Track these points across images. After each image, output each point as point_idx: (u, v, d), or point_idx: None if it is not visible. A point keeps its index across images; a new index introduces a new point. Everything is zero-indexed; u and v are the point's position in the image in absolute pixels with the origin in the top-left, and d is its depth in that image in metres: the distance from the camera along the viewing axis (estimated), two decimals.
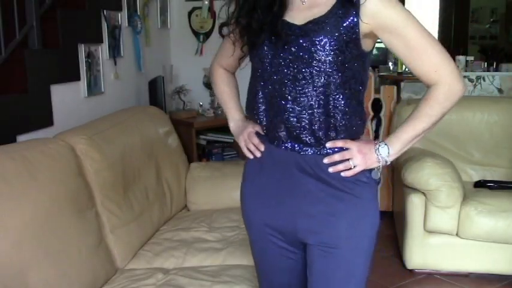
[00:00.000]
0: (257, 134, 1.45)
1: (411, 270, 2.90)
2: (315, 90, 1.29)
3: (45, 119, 2.30)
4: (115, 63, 2.93)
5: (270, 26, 1.32)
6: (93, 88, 2.70)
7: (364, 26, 1.27)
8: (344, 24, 1.27)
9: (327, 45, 1.26)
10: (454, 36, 7.95)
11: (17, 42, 2.19)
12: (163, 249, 2.23)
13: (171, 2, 3.80)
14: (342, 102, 1.30)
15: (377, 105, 3.61)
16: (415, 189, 2.78)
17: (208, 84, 3.70)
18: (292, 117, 1.32)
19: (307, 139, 1.33)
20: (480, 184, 3.02)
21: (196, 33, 3.88)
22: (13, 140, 2.05)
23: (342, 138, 1.33)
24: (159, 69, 3.58)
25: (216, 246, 2.24)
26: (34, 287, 1.56)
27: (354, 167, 1.33)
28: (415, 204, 2.78)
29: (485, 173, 3.21)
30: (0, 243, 1.49)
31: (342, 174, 1.33)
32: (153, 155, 2.58)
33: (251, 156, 1.45)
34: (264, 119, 1.39)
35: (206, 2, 3.78)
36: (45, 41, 2.33)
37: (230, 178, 2.73)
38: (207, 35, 3.86)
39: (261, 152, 1.43)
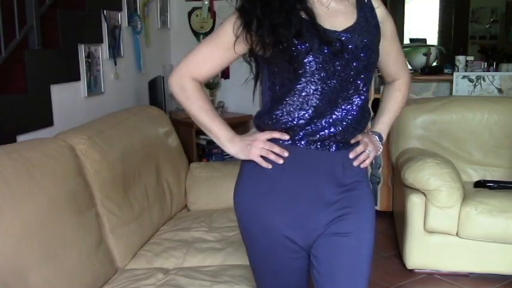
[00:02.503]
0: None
1: (411, 270, 2.90)
2: (363, 93, 1.39)
3: (45, 119, 2.30)
4: (115, 63, 2.94)
5: (313, 34, 1.28)
6: (93, 88, 2.70)
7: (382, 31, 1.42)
8: (375, 26, 1.40)
9: (373, 47, 1.37)
10: (454, 36, 7.94)
11: (17, 42, 2.19)
12: (163, 249, 2.23)
13: (171, 2, 3.80)
14: (367, 102, 1.42)
15: (377, 105, 3.60)
16: (415, 189, 2.78)
17: (208, 85, 3.69)
18: (341, 120, 1.37)
19: (344, 141, 1.40)
20: (480, 184, 3.01)
21: (196, 33, 3.88)
22: (13, 140, 2.05)
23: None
24: (159, 69, 3.58)
25: (216, 246, 2.24)
26: (34, 287, 1.56)
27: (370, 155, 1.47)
28: (415, 204, 2.78)
29: (485, 173, 3.21)
30: (0, 243, 1.49)
31: (362, 165, 1.44)
32: (153, 155, 2.57)
33: (270, 166, 1.38)
34: (304, 123, 1.35)
35: (206, 2, 3.78)
36: (45, 41, 2.34)
37: (230, 178, 2.71)
38: (207, 35, 3.86)
39: (284, 157, 1.38)
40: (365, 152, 1.45)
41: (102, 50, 2.80)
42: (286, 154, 1.37)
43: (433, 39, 7.85)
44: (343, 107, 1.36)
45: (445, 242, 2.78)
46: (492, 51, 5.77)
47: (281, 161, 1.37)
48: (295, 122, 1.35)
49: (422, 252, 2.83)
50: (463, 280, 2.82)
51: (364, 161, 1.45)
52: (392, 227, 3.39)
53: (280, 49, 1.29)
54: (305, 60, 1.29)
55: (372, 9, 1.41)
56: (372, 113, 1.62)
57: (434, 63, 4.17)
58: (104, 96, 2.82)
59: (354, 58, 1.33)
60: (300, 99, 1.33)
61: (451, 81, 3.80)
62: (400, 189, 3.07)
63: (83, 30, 2.62)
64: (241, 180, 1.48)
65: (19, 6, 2.21)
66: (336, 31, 1.33)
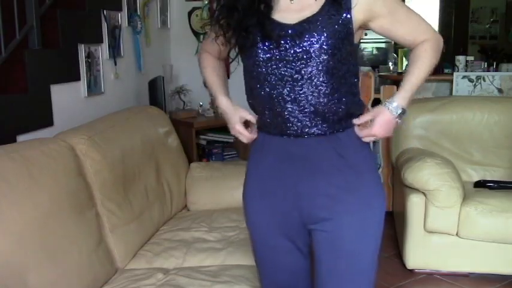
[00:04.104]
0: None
1: (411, 270, 2.90)
2: (315, 89, 1.32)
3: (45, 119, 2.30)
4: (115, 63, 2.93)
5: (258, 27, 1.32)
6: (93, 88, 2.70)
7: (358, 20, 1.33)
8: (338, 21, 1.31)
9: (324, 43, 1.29)
10: (454, 36, 7.94)
11: (17, 42, 2.19)
12: (163, 249, 2.23)
13: (171, 2, 3.80)
14: (342, 97, 1.36)
15: (377, 105, 3.61)
16: (415, 189, 2.78)
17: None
18: (293, 117, 1.36)
19: (310, 133, 1.38)
20: (480, 184, 3.01)
21: (196, 33, 3.88)
22: (13, 140, 2.05)
23: (342, 131, 1.41)
24: (159, 69, 3.58)
25: (216, 246, 2.24)
26: (34, 287, 1.56)
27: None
28: (415, 204, 2.78)
29: (485, 173, 3.21)
30: (0, 243, 1.49)
31: (367, 139, 1.42)
32: (153, 155, 2.57)
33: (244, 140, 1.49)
34: (266, 117, 1.42)
35: (206, 2, 3.78)
36: (45, 41, 2.33)
37: (230, 178, 2.73)
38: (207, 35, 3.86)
39: (259, 141, 1.47)
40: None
41: (102, 50, 2.80)
42: (254, 136, 1.47)
43: None
44: (296, 102, 1.36)
45: (445, 242, 2.78)
46: (492, 51, 5.78)
47: (254, 136, 1.48)
48: (256, 113, 1.44)
49: (422, 252, 2.83)
50: (463, 280, 2.82)
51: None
52: (392, 227, 3.39)
53: (231, 35, 1.36)
54: (253, 52, 1.34)
55: (345, 1, 1.32)
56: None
57: None
58: (104, 96, 2.82)
59: (296, 53, 1.31)
60: (251, 92, 1.42)
61: (451, 81, 3.81)
62: (400, 189, 3.07)
63: (83, 30, 2.62)
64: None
65: (19, 6, 2.20)
66: (288, 24, 1.32)
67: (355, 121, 1.42)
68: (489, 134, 3.24)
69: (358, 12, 1.32)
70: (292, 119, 1.36)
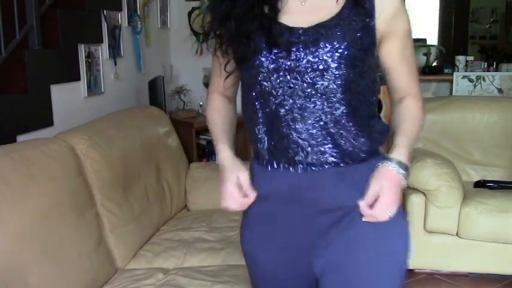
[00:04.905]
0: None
1: (411, 270, 2.90)
2: (329, 107, 1.12)
3: (45, 119, 2.30)
4: (115, 63, 2.93)
5: (263, 32, 1.12)
6: (93, 88, 2.70)
7: (379, 32, 1.14)
8: (362, 28, 1.12)
9: (345, 53, 1.10)
10: (454, 36, 7.94)
11: (17, 42, 2.19)
12: (163, 249, 2.23)
13: (171, 2, 3.80)
14: (361, 118, 1.16)
15: (377, 105, 3.61)
16: (415, 189, 2.78)
17: (207, 84, 3.69)
18: (303, 140, 1.14)
19: (323, 160, 1.15)
20: (480, 184, 3.01)
21: (196, 33, 3.88)
22: (13, 140, 2.05)
23: (357, 155, 1.17)
24: (159, 69, 3.58)
25: (216, 246, 2.24)
26: (34, 287, 1.56)
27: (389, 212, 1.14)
28: (415, 204, 2.78)
29: (485, 173, 3.21)
30: (0, 243, 1.49)
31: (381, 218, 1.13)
32: (153, 155, 2.57)
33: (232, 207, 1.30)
34: (266, 143, 1.20)
35: (206, 2, 3.78)
36: (45, 41, 2.34)
37: None
38: (207, 35, 3.85)
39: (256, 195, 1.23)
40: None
41: (102, 50, 2.80)
42: (251, 199, 1.23)
43: (433, 39, 7.84)
44: (306, 121, 1.14)
45: (445, 242, 2.78)
46: (492, 51, 5.77)
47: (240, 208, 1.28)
48: (255, 140, 1.23)
49: (422, 252, 2.82)
50: (463, 280, 2.82)
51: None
52: None
53: (229, 44, 1.16)
54: (256, 62, 1.13)
55: (370, 6, 1.13)
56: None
57: (434, 63, 4.18)
58: (104, 96, 2.82)
59: (309, 63, 1.10)
60: (250, 111, 1.20)
61: (451, 81, 3.81)
62: None
63: (83, 30, 2.62)
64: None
65: (19, 6, 2.21)
66: (300, 28, 1.12)
67: (362, 203, 1.13)
68: (489, 134, 3.24)
69: (381, 22, 1.13)
70: (301, 142, 1.14)
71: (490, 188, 2.95)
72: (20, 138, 2.09)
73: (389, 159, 1.15)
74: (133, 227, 2.22)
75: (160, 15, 3.67)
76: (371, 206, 1.12)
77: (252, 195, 1.22)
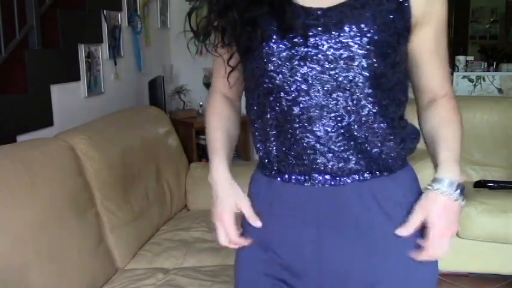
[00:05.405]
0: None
1: None
2: (354, 105, 0.92)
3: (45, 119, 2.30)
4: (115, 63, 2.93)
5: (273, 15, 0.92)
6: (93, 88, 2.70)
7: (417, 13, 0.95)
8: (394, 10, 0.92)
9: (374, 38, 0.90)
10: (454, 36, 7.94)
11: (17, 42, 2.19)
12: (163, 249, 2.23)
13: (171, 2, 3.80)
14: (390, 120, 0.97)
15: None
16: None
17: (208, 84, 3.69)
18: (321, 145, 0.94)
19: (345, 167, 0.96)
20: (480, 184, 3.01)
21: (196, 33, 3.87)
22: (13, 140, 2.05)
23: (382, 165, 0.99)
24: (159, 69, 3.58)
25: (216, 246, 2.21)
26: (34, 287, 1.56)
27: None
28: None
29: (485, 173, 3.21)
30: (0, 243, 1.49)
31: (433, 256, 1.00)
32: (153, 155, 2.57)
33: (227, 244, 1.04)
34: (275, 149, 0.99)
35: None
36: (45, 41, 2.34)
37: None
38: (207, 35, 3.85)
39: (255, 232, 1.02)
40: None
41: (102, 50, 2.80)
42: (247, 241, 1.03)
43: None
44: (324, 123, 0.95)
45: None
46: (492, 51, 5.78)
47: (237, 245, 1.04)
48: (261, 146, 1.03)
49: None
50: (463, 280, 2.82)
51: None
52: None
53: (231, 34, 0.98)
54: (265, 49, 0.93)
55: None
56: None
57: None
58: (104, 96, 2.82)
59: (331, 51, 0.90)
60: (256, 112, 1.01)
61: (451, 81, 3.80)
62: None
63: (83, 30, 2.62)
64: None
65: (19, 6, 2.21)
66: (319, 9, 0.91)
67: (400, 232, 0.96)
68: (489, 134, 3.24)
69: (417, 3, 0.95)
70: (320, 147, 0.94)
71: (490, 188, 2.95)
72: (20, 138, 2.09)
73: (439, 181, 0.98)
74: (133, 227, 2.22)
75: (160, 15, 3.67)
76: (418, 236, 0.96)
77: (249, 240, 1.03)
